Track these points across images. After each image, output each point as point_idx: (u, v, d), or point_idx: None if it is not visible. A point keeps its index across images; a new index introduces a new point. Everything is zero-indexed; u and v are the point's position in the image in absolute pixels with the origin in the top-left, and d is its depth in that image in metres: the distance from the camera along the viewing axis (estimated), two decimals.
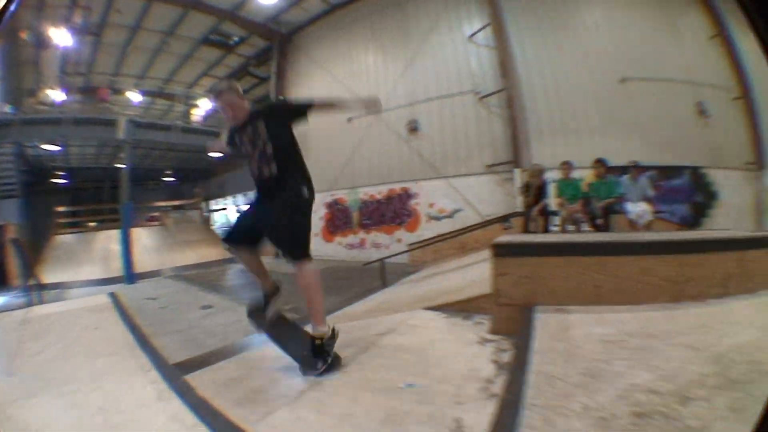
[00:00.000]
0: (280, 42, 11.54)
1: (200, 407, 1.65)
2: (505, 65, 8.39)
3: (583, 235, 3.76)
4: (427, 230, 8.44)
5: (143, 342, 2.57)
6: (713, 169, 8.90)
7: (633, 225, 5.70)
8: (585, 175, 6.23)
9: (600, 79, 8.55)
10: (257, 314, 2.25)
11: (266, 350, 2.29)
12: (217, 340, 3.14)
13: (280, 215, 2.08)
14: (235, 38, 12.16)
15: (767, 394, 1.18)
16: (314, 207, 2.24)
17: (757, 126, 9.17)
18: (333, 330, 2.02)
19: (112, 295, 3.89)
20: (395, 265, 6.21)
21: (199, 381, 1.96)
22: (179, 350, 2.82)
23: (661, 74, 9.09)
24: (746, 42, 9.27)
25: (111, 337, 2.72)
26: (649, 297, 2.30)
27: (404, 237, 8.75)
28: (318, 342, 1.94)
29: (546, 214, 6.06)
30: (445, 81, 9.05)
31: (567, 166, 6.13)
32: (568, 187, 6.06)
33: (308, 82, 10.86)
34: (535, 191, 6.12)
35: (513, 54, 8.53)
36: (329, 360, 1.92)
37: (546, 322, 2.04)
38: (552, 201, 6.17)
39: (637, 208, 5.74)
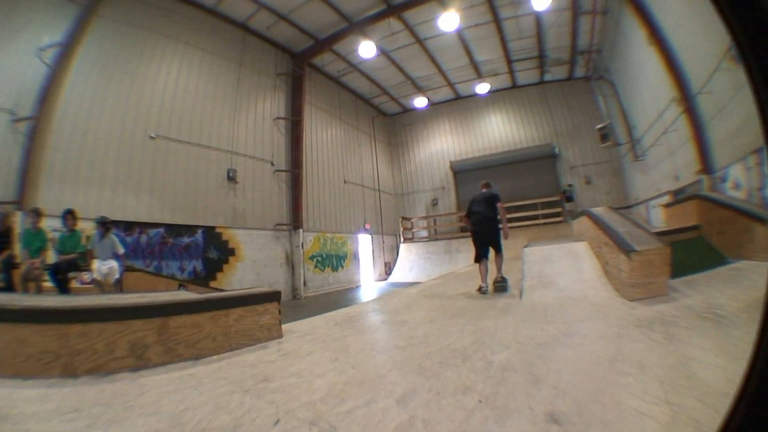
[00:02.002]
0: None
1: None
2: (49, 91, 6.91)
3: None
4: None
5: None
6: (234, 229, 9.90)
7: (99, 284, 5.14)
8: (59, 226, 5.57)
9: (132, 133, 8.17)
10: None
11: None
12: None
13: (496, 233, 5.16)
14: None
15: None
16: None
17: (299, 196, 11.81)
18: (503, 277, 4.82)
19: None
20: None
21: None
22: None
23: (194, 140, 9.44)
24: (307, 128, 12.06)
25: None
26: (38, 370, 1.98)
27: None
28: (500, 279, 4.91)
29: (9, 266, 4.95)
30: None
31: (34, 213, 5.23)
32: (34, 238, 5.13)
33: None
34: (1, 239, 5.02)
35: (63, 83, 7.16)
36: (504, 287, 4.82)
37: None
38: (20, 252, 5.15)
39: (104, 267, 5.24)
